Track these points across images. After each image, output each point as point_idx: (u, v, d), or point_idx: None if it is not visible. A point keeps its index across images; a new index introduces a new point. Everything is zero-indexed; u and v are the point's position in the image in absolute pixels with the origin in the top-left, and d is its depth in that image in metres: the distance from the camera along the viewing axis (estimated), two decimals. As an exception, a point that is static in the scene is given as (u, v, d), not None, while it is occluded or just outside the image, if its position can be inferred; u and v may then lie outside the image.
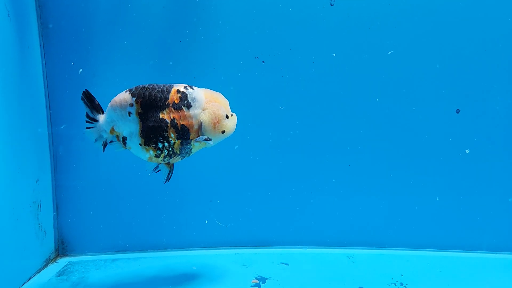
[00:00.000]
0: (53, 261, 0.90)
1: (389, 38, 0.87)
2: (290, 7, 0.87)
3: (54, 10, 0.86)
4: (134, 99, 0.67)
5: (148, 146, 0.67)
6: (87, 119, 0.71)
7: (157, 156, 0.69)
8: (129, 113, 0.67)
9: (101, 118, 0.71)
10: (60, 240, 0.92)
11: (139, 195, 0.92)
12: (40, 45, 0.87)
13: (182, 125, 0.67)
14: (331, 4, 0.88)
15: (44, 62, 0.87)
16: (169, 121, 0.67)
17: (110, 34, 0.88)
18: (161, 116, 0.66)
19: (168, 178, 0.73)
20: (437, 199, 0.91)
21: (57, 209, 0.92)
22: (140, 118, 0.67)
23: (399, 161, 0.91)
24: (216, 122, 0.68)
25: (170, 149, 0.67)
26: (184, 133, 0.67)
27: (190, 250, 0.93)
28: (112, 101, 0.69)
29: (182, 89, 0.68)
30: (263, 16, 0.88)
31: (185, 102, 0.67)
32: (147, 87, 0.68)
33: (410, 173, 0.91)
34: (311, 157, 0.92)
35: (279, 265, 0.86)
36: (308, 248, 0.93)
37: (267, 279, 0.79)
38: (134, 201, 0.92)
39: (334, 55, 0.88)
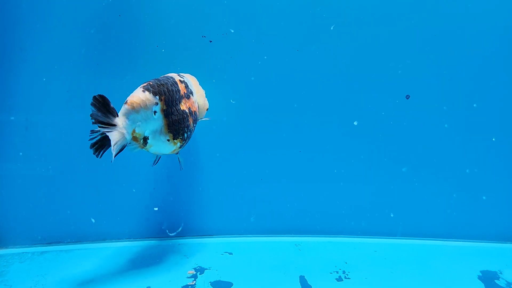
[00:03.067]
0: (-25, 255, 0.82)
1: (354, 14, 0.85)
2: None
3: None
4: (157, 97, 0.66)
5: (176, 139, 0.69)
6: (101, 125, 0.60)
7: (181, 147, 0.72)
8: (155, 112, 0.66)
9: (120, 121, 0.62)
10: (-17, 231, 0.84)
11: (73, 184, 0.84)
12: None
13: (194, 111, 0.72)
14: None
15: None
16: (187, 111, 0.70)
17: (44, 8, 0.79)
18: (181, 108, 0.69)
19: (156, 161, 0.75)
20: (383, 186, 0.90)
21: (-21, 198, 0.84)
22: (164, 115, 0.67)
23: (346, 148, 0.88)
24: (203, 101, 0.76)
25: (190, 134, 0.72)
26: (196, 118, 0.73)
27: (130, 241, 0.87)
28: (132, 103, 0.62)
29: (182, 79, 0.73)
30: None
31: (189, 89, 0.72)
32: (160, 84, 0.68)
33: (357, 160, 0.89)
34: (258, 145, 0.88)
35: (222, 254, 0.82)
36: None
37: (206, 269, 0.75)
38: (67, 190, 0.84)
39: (297, 50, 0.84)
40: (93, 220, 0.85)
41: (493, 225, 0.90)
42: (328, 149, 0.88)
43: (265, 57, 0.85)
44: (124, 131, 0.63)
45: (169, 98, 0.66)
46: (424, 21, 0.85)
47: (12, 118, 0.82)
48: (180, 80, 0.71)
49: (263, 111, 0.87)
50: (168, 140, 0.67)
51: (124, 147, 0.66)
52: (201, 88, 0.79)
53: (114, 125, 0.62)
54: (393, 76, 0.87)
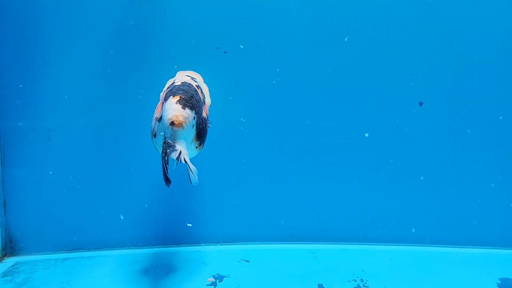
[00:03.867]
0: None
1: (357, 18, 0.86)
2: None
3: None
4: (194, 111, 0.63)
5: (200, 145, 0.67)
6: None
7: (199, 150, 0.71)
8: (193, 126, 0.63)
9: (180, 147, 0.61)
10: (8, 238, 0.86)
11: (92, 190, 0.87)
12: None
13: (208, 115, 0.73)
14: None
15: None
16: (206, 117, 0.70)
17: (64, 24, 0.82)
18: (203, 115, 0.69)
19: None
20: (401, 193, 0.89)
21: (5, 205, 0.86)
22: (196, 126, 0.65)
23: (361, 156, 0.89)
24: (208, 100, 0.76)
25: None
26: (208, 121, 0.74)
27: (148, 248, 0.89)
28: (180, 123, 0.60)
29: (195, 83, 0.72)
30: (227, 5, 0.84)
31: (203, 94, 0.72)
32: (190, 96, 0.64)
33: (373, 168, 0.89)
34: (274, 152, 0.89)
35: (239, 262, 0.83)
36: (221, 244, 0.89)
37: (225, 277, 0.76)
38: (87, 197, 0.87)
39: (310, 59, 0.85)
40: (122, 217, 0.87)
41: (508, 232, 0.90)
42: (343, 157, 0.89)
43: (278, 70, 0.86)
44: (185, 151, 0.62)
45: (198, 110, 0.66)
46: (437, 30, 0.85)
47: (36, 128, 0.85)
48: (197, 86, 0.71)
49: (278, 119, 0.88)
50: (196, 148, 0.67)
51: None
52: (206, 86, 0.79)
53: (180, 152, 0.60)
54: (407, 83, 0.87)
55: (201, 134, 0.67)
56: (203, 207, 0.90)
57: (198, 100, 0.67)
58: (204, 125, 0.68)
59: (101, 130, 0.86)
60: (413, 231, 0.90)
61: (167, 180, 0.59)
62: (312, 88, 0.87)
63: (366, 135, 0.87)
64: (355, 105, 0.87)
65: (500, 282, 0.75)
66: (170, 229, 0.90)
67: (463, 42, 0.86)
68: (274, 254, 0.87)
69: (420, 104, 0.87)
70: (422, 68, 0.86)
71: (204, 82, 0.80)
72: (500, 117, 0.87)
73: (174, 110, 0.61)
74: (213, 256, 0.85)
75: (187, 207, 0.90)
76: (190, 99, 0.65)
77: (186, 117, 0.62)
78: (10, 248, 0.86)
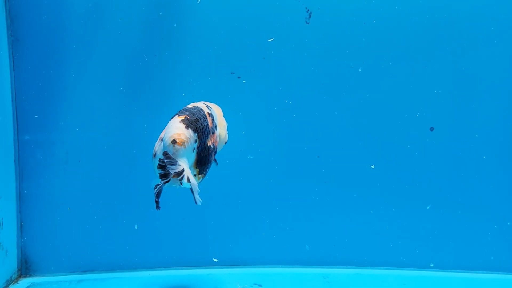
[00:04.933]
0: (15, 282, 0.85)
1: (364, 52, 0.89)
2: (267, 22, 0.87)
3: (25, 22, 0.84)
4: (196, 134, 0.63)
5: (200, 174, 0.65)
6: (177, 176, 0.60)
7: (200, 181, 0.67)
8: (193, 149, 0.63)
9: (181, 163, 0.61)
10: (24, 259, 0.88)
11: (108, 212, 0.88)
12: (9, 57, 0.84)
13: (216, 145, 0.70)
14: (306, 23, 0.89)
15: (13, 73, 0.85)
16: (212, 146, 0.68)
17: (83, 47, 0.86)
18: (208, 143, 0.67)
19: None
20: (413, 217, 0.90)
21: (21, 227, 0.87)
22: (197, 151, 0.65)
23: (374, 182, 0.90)
24: (225, 136, 0.72)
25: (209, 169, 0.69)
26: (215, 152, 0.70)
27: (161, 270, 0.90)
28: (182, 142, 0.61)
29: (208, 110, 0.70)
30: (240, 30, 0.87)
31: (214, 123, 0.69)
32: (196, 119, 0.64)
33: (386, 191, 0.90)
34: (284, 175, 0.90)
35: (252, 286, 0.83)
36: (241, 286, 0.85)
37: (237, 301, 0.77)
38: (102, 218, 0.88)
39: (321, 83, 0.88)
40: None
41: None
42: (356, 182, 0.90)
43: (290, 94, 0.89)
44: (189, 170, 0.62)
45: (203, 134, 0.65)
46: (447, 53, 0.88)
47: (53, 150, 0.87)
48: (208, 113, 0.69)
49: (292, 144, 0.90)
50: (195, 175, 0.65)
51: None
52: (225, 120, 0.77)
53: (183, 169, 0.60)
54: (416, 109, 0.89)
55: (202, 162, 0.64)
56: (216, 230, 0.91)
57: (205, 126, 0.65)
58: (207, 153, 0.65)
59: (118, 152, 0.88)
60: (424, 256, 0.90)
61: (157, 204, 0.59)
62: (324, 114, 0.89)
63: (372, 166, 0.88)
64: (368, 132, 0.89)
65: (514, 310, 0.75)
66: (183, 251, 0.91)
67: (474, 67, 0.88)
68: (287, 278, 0.87)
69: (431, 129, 0.89)
70: (432, 95, 0.89)
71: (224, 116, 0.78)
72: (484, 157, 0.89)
73: (176, 128, 0.61)
74: (225, 280, 0.86)
75: (200, 229, 0.91)
76: (196, 122, 0.64)
77: (188, 137, 0.61)
78: (26, 269, 0.87)
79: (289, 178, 0.90)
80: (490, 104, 0.88)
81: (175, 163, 0.59)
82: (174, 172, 0.57)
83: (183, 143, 0.60)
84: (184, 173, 0.59)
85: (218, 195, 0.90)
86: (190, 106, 0.69)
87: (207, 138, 0.66)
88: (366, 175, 0.90)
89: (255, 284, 0.84)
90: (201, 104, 0.71)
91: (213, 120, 0.69)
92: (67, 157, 0.88)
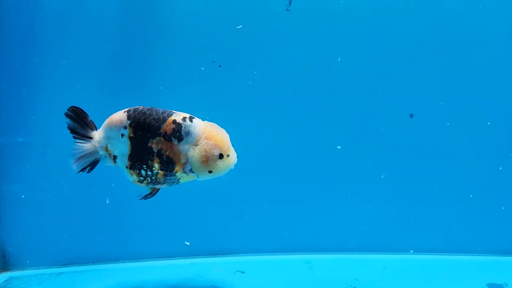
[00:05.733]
0: (-8, 277, 0.84)
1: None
2: (247, 11, 0.86)
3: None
4: (129, 122, 0.65)
5: (132, 170, 0.67)
6: (77, 136, 0.68)
7: (140, 182, 0.68)
8: (122, 135, 0.66)
9: (96, 134, 0.68)
10: (1, 254, 0.86)
11: (88, 204, 0.87)
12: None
13: (168, 156, 0.65)
14: (287, 10, 0.89)
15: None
16: (156, 151, 0.65)
17: (58, 38, 0.84)
18: (149, 144, 0.65)
19: (144, 197, 0.70)
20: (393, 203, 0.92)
21: (-1, 221, 0.86)
22: (131, 142, 0.66)
23: (355, 165, 0.91)
24: (204, 161, 0.64)
25: (153, 177, 0.66)
26: (168, 165, 0.65)
27: (143, 261, 0.89)
28: (109, 119, 0.68)
29: (179, 120, 0.65)
30: (221, 18, 0.86)
31: (177, 134, 0.65)
32: (144, 112, 0.66)
33: (365, 178, 0.92)
34: (265, 163, 0.90)
35: (235, 273, 0.84)
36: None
37: (219, 287, 0.77)
38: (82, 211, 0.87)
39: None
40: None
41: (498, 240, 0.92)
42: (336, 170, 0.91)
43: (271, 82, 0.89)
44: (98, 145, 0.68)
45: (139, 128, 0.65)
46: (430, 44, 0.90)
47: (31, 143, 0.85)
48: (174, 121, 0.65)
49: (271, 132, 0.90)
50: (127, 167, 0.67)
51: (97, 162, 0.70)
52: (216, 151, 0.65)
53: (91, 137, 0.69)
54: (398, 96, 0.91)
55: (135, 158, 0.65)
56: (198, 221, 0.90)
57: (150, 124, 0.64)
58: (142, 152, 0.65)
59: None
60: (404, 240, 0.92)
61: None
62: (302, 99, 0.90)
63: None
64: (347, 119, 0.90)
65: (487, 287, 0.78)
66: (165, 243, 0.90)
67: (455, 52, 0.89)
68: (270, 264, 0.88)
69: (411, 116, 0.91)
70: (413, 80, 0.90)
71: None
72: (488, 123, 0.91)
73: (118, 112, 0.68)
74: (208, 268, 0.86)
75: (183, 220, 0.90)
76: (137, 113, 0.65)
77: (117, 119, 0.66)
78: (4, 263, 0.85)
79: (270, 166, 0.91)
80: (470, 91, 0.91)
81: (87, 128, 0.68)
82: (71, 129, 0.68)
83: (109, 120, 0.67)
84: (92, 140, 0.68)
85: (200, 186, 0.90)
86: (158, 109, 0.68)
87: (151, 139, 0.64)
88: (346, 161, 0.91)
89: (238, 271, 0.85)
90: (178, 114, 0.66)
91: (177, 131, 0.64)
92: (44, 150, 0.86)
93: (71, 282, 0.80)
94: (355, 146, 0.91)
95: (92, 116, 0.85)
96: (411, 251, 0.92)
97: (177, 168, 0.65)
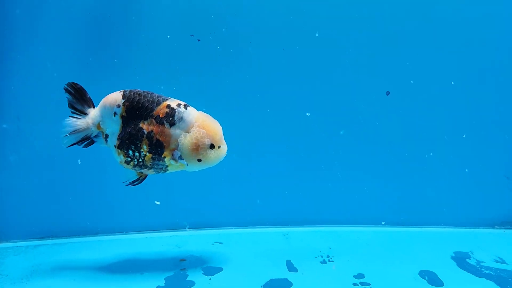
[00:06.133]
0: (-32, 250, 0.83)
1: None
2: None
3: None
4: (123, 101, 0.67)
5: (120, 150, 0.67)
6: (74, 111, 0.70)
7: (127, 163, 0.68)
8: (114, 114, 0.67)
9: (92, 111, 0.70)
10: (-24, 227, 0.86)
11: (67, 177, 0.87)
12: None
13: (158, 140, 0.65)
14: None
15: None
16: (146, 132, 0.65)
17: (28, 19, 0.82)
18: (140, 125, 0.66)
19: (131, 183, 0.71)
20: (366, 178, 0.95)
21: (-27, 194, 0.85)
22: (122, 121, 0.67)
23: (328, 142, 0.94)
24: (194, 149, 0.64)
25: (140, 160, 0.67)
26: (157, 148, 0.65)
27: (123, 234, 0.90)
28: (105, 98, 0.69)
29: (173, 106, 0.65)
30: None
31: (170, 119, 0.65)
32: (139, 93, 0.67)
33: (340, 156, 0.94)
34: (242, 139, 0.91)
35: (213, 244, 0.86)
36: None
37: (197, 256, 0.79)
38: (62, 183, 0.87)
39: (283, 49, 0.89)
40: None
41: (464, 213, 0.97)
42: (313, 146, 0.93)
43: (253, 53, 0.89)
44: (91, 122, 0.70)
45: (133, 108, 0.66)
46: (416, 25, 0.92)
47: (5, 115, 0.84)
48: (168, 105, 0.66)
49: (252, 106, 0.91)
50: (115, 147, 0.68)
51: (88, 138, 0.71)
52: (208, 140, 0.66)
53: (86, 113, 0.71)
54: (374, 73, 0.93)
55: (123, 137, 0.66)
56: (177, 194, 0.91)
57: (143, 105, 0.65)
58: (132, 132, 0.65)
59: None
60: (377, 213, 0.96)
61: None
62: (280, 76, 0.91)
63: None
64: (327, 97, 0.92)
65: (453, 255, 0.82)
66: (144, 216, 0.91)
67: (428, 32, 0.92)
68: (248, 236, 0.90)
69: (387, 93, 0.93)
70: (388, 60, 0.92)
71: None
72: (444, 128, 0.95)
73: (114, 92, 0.69)
74: (187, 240, 0.87)
75: (163, 194, 0.91)
76: (132, 93, 0.67)
77: (112, 98, 0.68)
78: (-21, 237, 0.85)
79: (247, 143, 0.92)
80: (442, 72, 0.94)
81: (84, 105, 0.70)
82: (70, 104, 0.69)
83: (105, 98, 0.68)
84: (87, 117, 0.70)
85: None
86: (154, 94, 0.68)
87: (143, 119, 0.65)
88: (320, 137, 0.93)
89: (216, 242, 0.86)
90: (173, 100, 0.67)
91: (171, 115, 0.65)
92: (19, 123, 0.85)
93: (48, 254, 0.80)
94: (328, 120, 0.93)
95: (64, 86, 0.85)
96: (383, 223, 0.96)
97: (165, 153, 0.66)
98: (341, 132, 0.93)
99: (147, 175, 0.71)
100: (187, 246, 0.84)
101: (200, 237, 0.89)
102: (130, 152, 0.66)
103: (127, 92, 0.68)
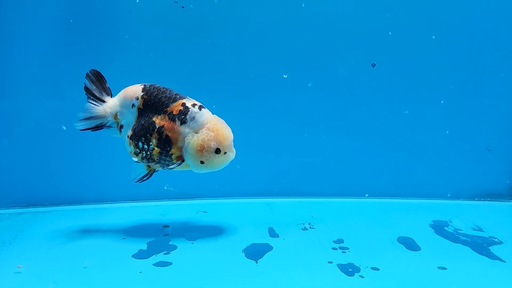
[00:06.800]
0: (-50, 217, 0.82)
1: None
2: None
3: None
4: (142, 94, 0.68)
5: (131, 140, 0.68)
6: (92, 97, 0.70)
7: (136, 154, 0.69)
8: (132, 105, 0.68)
9: (110, 101, 0.71)
10: (-40, 195, 0.85)
11: (52, 146, 0.86)
12: None
13: (167, 135, 0.65)
14: None
15: None
16: (157, 126, 0.66)
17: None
18: (153, 119, 0.66)
19: (140, 179, 0.71)
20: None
21: (-44, 162, 0.84)
22: (138, 113, 0.68)
23: (314, 119, 0.94)
24: (199, 150, 0.64)
25: (149, 153, 0.67)
26: (165, 143, 0.66)
27: (108, 203, 0.90)
28: (126, 89, 0.70)
29: (188, 105, 0.66)
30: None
31: (182, 117, 0.65)
32: (159, 88, 0.68)
33: (324, 130, 0.94)
34: (231, 111, 0.88)
35: (197, 213, 0.86)
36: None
37: (180, 223, 0.80)
38: (46, 153, 0.86)
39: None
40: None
41: (446, 185, 0.98)
42: (296, 117, 0.93)
43: (238, 25, 0.88)
44: (108, 110, 0.71)
45: (149, 101, 0.67)
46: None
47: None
48: (183, 104, 0.65)
49: (234, 79, 0.90)
50: (128, 137, 0.69)
51: (102, 126, 0.72)
52: (214, 144, 0.65)
53: (104, 101, 0.71)
54: (358, 47, 0.92)
55: (136, 129, 0.67)
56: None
57: (160, 100, 0.66)
58: (145, 124, 0.66)
59: (51, 90, 0.85)
60: (361, 186, 0.97)
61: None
62: (260, 49, 0.90)
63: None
64: (311, 65, 0.91)
65: (432, 223, 0.84)
66: (128, 186, 0.90)
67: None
68: (232, 206, 0.91)
69: (373, 65, 0.93)
70: (372, 35, 0.92)
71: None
72: (428, 97, 0.95)
73: (135, 85, 0.70)
74: (171, 210, 0.88)
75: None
76: (152, 87, 0.68)
77: (133, 90, 0.69)
78: (-38, 204, 0.85)
79: (234, 117, 0.90)
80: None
81: (103, 93, 0.71)
82: (89, 93, 0.70)
83: (126, 89, 0.69)
84: (105, 105, 0.70)
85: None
86: (174, 91, 0.69)
87: (157, 114, 0.66)
88: (303, 111, 0.93)
89: (200, 211, 0.87)
90: (190, 100, 0.67)
91: (184, 113, 0.65)
92: (3, 92, 0.83)
93: (31, 221, 0.80)
94: (310, 95, 0.93)
95: (41, 59, 0.83)
96: (366, 195, 0.98)
97: (173, 150, 0.66)
98: (325, 104, 0.93)
99: (155, 169, 0.72)
100: (171, 215, 0.85)
101: (184, 207, 0.90)
102: (140, 144, 0.67)
103: (147, 86, 0.69)
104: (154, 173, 0.71)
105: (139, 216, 0.84)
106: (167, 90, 0.68)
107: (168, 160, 0.67)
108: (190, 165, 0.66)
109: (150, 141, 0.66)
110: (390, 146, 0.96)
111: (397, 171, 0.98)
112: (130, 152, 0.69)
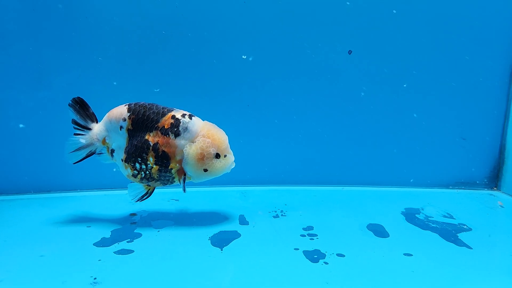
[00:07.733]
0: None
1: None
2: None
3: None
4: (129, 114, 0.65)
5: (127, 163, 0.66)
6: (77, 127, 0.68)
7: (134, 176, 0.67)
8: (121, 127, 0.66)
9: (95, 127, 0.69)
10: None
11: (19, 135, 0.84)
12: None
13: (163, 151, 0.64)
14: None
15: None
16: (152, 144, 0.64)
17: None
18: (146, 137, 0.64)
19: (140, 199, 0.70)
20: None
21: None
22: (128, 134, 0.66)
23: (291, 108, 0.93)
24: (200, 158, 0.63)
25: (148, 172, 0.65)
26: (163, 159, 0.64)
27: (77, 191, 0.89)
28: (110, 112, 0.67)
29: (178, 116, 0.64)
30: None
31: (175, 129, 0.64)
32: (144, 106, 0.66)
33: (298, 118, 0.93)
34: (207, 100, 0.90)
35: (168, 201, 0.85)
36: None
37: (149, 211, 0.78)
38: (13, 141, 0.84)
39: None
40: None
41: (420, 173, 0.98)
42: (270, 103, 0.92)
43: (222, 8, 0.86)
44: (95, 137, 0.69)
45: (138, 121, 0.65)
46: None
47: None
48: (173, 116, 0.64)
49: (208, 62, 0.89)
50: (122, 160, 0.67)
51: (92, 153, 0.70)
52: (213, 150, 0.65)
53: (90, 129, 0.69)
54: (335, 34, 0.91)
55: (130, 150, 0.65)
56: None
57: (149, 117, 0.65)
58: (138, 145, 0.64)
59: (28, 76, 0.82)
60: (335, 174, 0.97)
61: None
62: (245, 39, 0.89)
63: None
64: (289, 52, 0.90)
65: (404, 210, 0.84)
66: (99, 175, 0.89)
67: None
68: (205, 194, 0.90)
69: (349, 52, 0.91)
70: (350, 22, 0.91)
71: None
72: (405, 85, 0.94)
73: (119, 106, 0.68)
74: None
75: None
76: (137, 106, 0.66)
77: (118, 112, 0.67)
78: None
79: (214, 102, 0.90)
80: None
81: (87, 120, 0.69)
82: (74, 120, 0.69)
83: (110, 112, 0.67)
84: (91, 132, 0.68)
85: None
86: (158, 105, 0.67)
87: (149, 131, 0.64)
88: (284, 103, 0.92)
89: (172, 199, 0.86)
90: (178, 111, 0.66)
91: (176, 126, 0.63)
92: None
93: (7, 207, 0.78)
94: (282, 82, 0.91)
95: (25, 45, 0.80)
96: (342, 188, 0.97)
97: (172, 164, 0.65)
98: (301, 91, 0.92)
99: (154, 187, 0.70)
100: (141, 203, 0.82)
101: (156, 195, 0.86)
102: (137, 165, 0.65)
103: (132, 105, 0.67)
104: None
105: (108, 204, 0.82)
106: (153, 105, 0.66)
107: (168, 176, 0.66)
108: (192, 175, 0.65)
109: (147, 160, 0.64)
110: (367, 135, 0.96)
111: (372, 159, 0.97)
112: (128, 175, 0.67)
